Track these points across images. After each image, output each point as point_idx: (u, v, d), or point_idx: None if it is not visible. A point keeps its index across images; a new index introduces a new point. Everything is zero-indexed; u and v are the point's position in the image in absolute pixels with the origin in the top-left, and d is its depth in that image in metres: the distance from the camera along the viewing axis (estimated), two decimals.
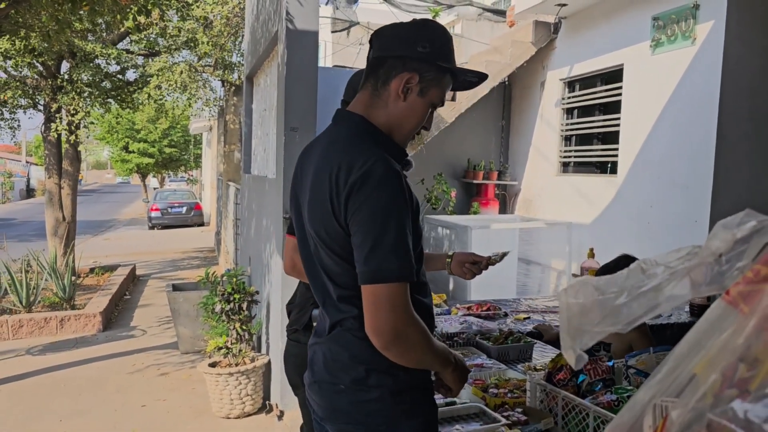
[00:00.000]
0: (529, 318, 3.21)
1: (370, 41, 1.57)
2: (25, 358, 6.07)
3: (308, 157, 1.58)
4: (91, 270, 10.13)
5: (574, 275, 5.73)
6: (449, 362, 1.53)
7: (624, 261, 2.53)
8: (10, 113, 9.72)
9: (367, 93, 1.54)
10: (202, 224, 20.35)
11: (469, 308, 3.29)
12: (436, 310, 3.27)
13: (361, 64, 1.60)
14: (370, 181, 1.36)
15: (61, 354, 6.19)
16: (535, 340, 2.65)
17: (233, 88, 10.53)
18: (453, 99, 6.71)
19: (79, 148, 9.68)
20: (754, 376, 0.68)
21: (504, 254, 2.17)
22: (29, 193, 41.91)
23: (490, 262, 2.11)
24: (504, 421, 1.84)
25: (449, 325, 2.84)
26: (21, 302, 7.19)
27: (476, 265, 2.11)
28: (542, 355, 2.54)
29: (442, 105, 1.59)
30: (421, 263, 1.56)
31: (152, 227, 19.63)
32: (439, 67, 1.51)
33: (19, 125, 10.40)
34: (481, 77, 1.62)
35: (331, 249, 1.46)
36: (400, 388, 1.47)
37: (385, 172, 1.38)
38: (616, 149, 5.92)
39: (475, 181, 7.38)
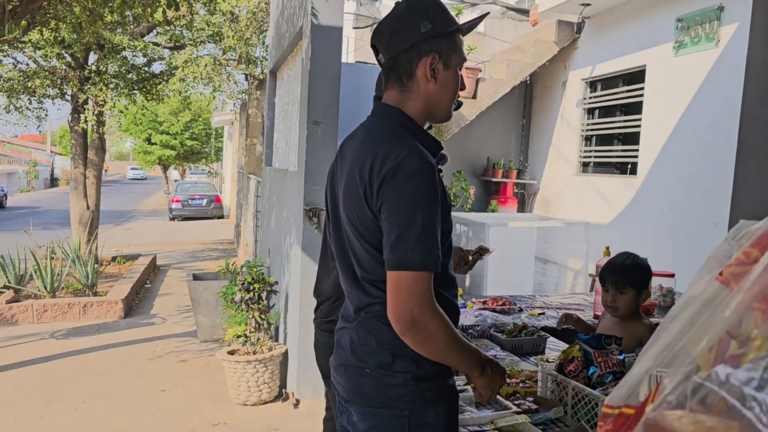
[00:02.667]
0: (543, 314, 3.26)
1: (373, 45, 1.61)
2: (49, 342, 6.23)
3: (347, 149, 1.62)
4: (113, 258, 10.31)
5: (591, 275, 5.74)
6: (476, 366, 1.54)
7: (627, 258, 2.54)
8: (38, 102, 9.92)
9: (395, 90, 1.58)
10: (221, 217, 20.56)
11: (484, 302, 3.34)
12: None
13: None
14: (402, 172, 1.41)
15: (84, 339, 6.34)
16: (548, 334, 2.69)
17: (256, 82, 10.64)
18: (474, 97, 6.74)
19: (104, 137, 9.85)
20: (745, 353, 0.73)
21: (485, 250, 2.28)
22: (53, 182, 42.60)
23: (472, 255, 2.21)
24: (515, 408, 1.90)
25: (464, 318, 2.89)
26: (45, 287, 7.36)
27: (464, 262, 2.20)
28: (555, 348, 2.58)
29: (466, 60, 1.64)
30: (450, 257, 1.60)
31: (173, 218, 19.89)
32: (448, 34, 1.55)
33: (46, 115, 10.61)
34: (482, 17, 1.71)
35: (361, 234, 1.51)
36: (424, 375, 1.50)
37: (418, 164, 1.42)
38: (637, 150, 5.92)
39: (494, 179, 7.41)
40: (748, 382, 0.63)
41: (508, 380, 2.14)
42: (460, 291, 3.63)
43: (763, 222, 0.72)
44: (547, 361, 2.26)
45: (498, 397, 2.00)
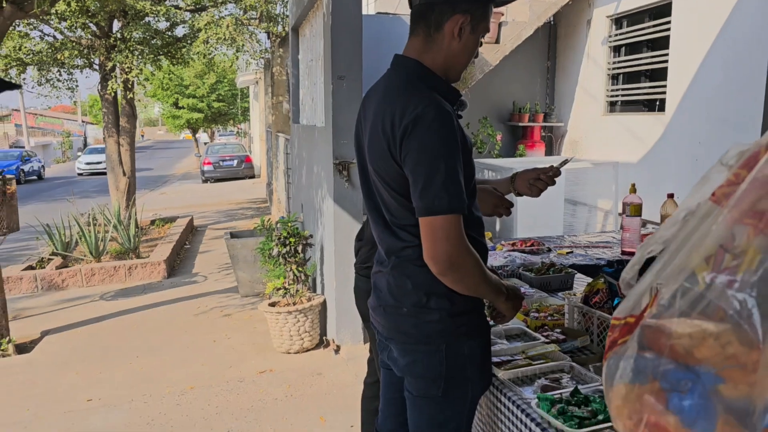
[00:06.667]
0: (571, 252, 3.33)
1: None
2: (100, 303, 6.55)
3: (369, 102, 1.70)
4: (152, 222, 10.63)
5: (620, 214, 5.78)
6: (501, 292, 1.66)
7: None
8: (68, 74, 10.12)
9: (419, 39, 1.63)
10: (252, 176, 20.82)
11: (513, 244, 3.43)
12: None
13: (404, 10, 1.70)
14: (421, 123, 1.48)
15: (132, 299, 6.64)
16: (576, 271, 2.78)
17: (278, 39, 10.64)
18: (497, 41, 6.68)
19: (134, 104, 10.04)
20: (738, 265, 0.82)
21: (564, 161, 2.26)
22: None
23: (554, 172, 2.18)
24: (543, 339, 2.01)
25: (493, 260, 2.99)
26: (91, 253, 7.67)
27: (540, 181, 2.20)
28: (583, 284, 2.67)
29: (489, 31, 1.69)
30: (474, 199, 1.69)
31: (205, 181, 20.24)
32: (485, 1, 1.60)
33: (77, 85, 10.83)
34: None
35: (388, 184, 1.61)
36: (457, 310, 1.62)
37: (436, 114, 1.49)
38: (665, 86, 5.84)
39: (520, 124, 7.39)
40: (730, 284, 0.72)
41: (536, 314, 2.26)
42: (489, 234, 3.73)
43: (752, 144, 0.80)
44: (574, 295, 2.35)
45: (528, 330, 2.12)
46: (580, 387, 1.62)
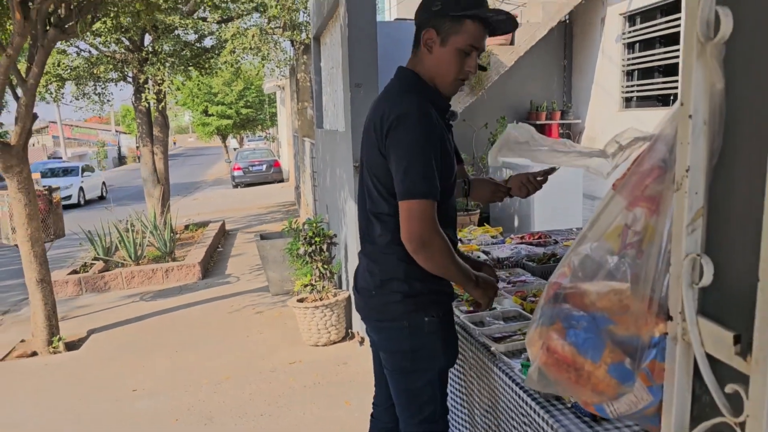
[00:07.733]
0: None
1: None
2: (140, 303, 6.94)
3: (372, 105, 1.99)
4: (186, 227, 11.06)
5: None
6: (470, 279, 1.89)
7: None
8: (102, 87, 10.61)
9: (413, 53, 1.93)
10: (281, 180, 21.23)
11: (522, 238, 3.65)
12: (492, 240, 3.68)
13: None
14: (404, 121, 1.75)
15: (169, 299, 7.02)
16: None
17: (302, 47, 10.99)
18: (512, 43, 6.89)
19: (166, 114, 10.47)
20: (641, 239, 1.06)
21: (552, 169, 2.47)
22: (121, 160, 44.47)
23: (542, 177, 2.39)
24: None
25: (501, 252, 3.22)
26: (130, 257, 8.09)
27: (530, 183, 2.42)
28: None
29: (479, 49, 1.85)
30: (452, 195, 1.95)
31: (236, 186, 20.69)
32: (453, 17, 1.80)
33: (110, 99, 11.33)
34: (508, 15, 1.85)
35: (375, 174, 1.88)
36: (415, 292, 1.88)
37: (417, 113, 1.76)
38: (677, 81, 5.99)
39: (538, 122, 7.58)
40: (639, 256, 0.96)
41: (533, 299, 2.49)
42: (500, 229, 3.97)
43: (647, 140, 1.04)
44: None
45: (523, 312, 2.35)
46: None
